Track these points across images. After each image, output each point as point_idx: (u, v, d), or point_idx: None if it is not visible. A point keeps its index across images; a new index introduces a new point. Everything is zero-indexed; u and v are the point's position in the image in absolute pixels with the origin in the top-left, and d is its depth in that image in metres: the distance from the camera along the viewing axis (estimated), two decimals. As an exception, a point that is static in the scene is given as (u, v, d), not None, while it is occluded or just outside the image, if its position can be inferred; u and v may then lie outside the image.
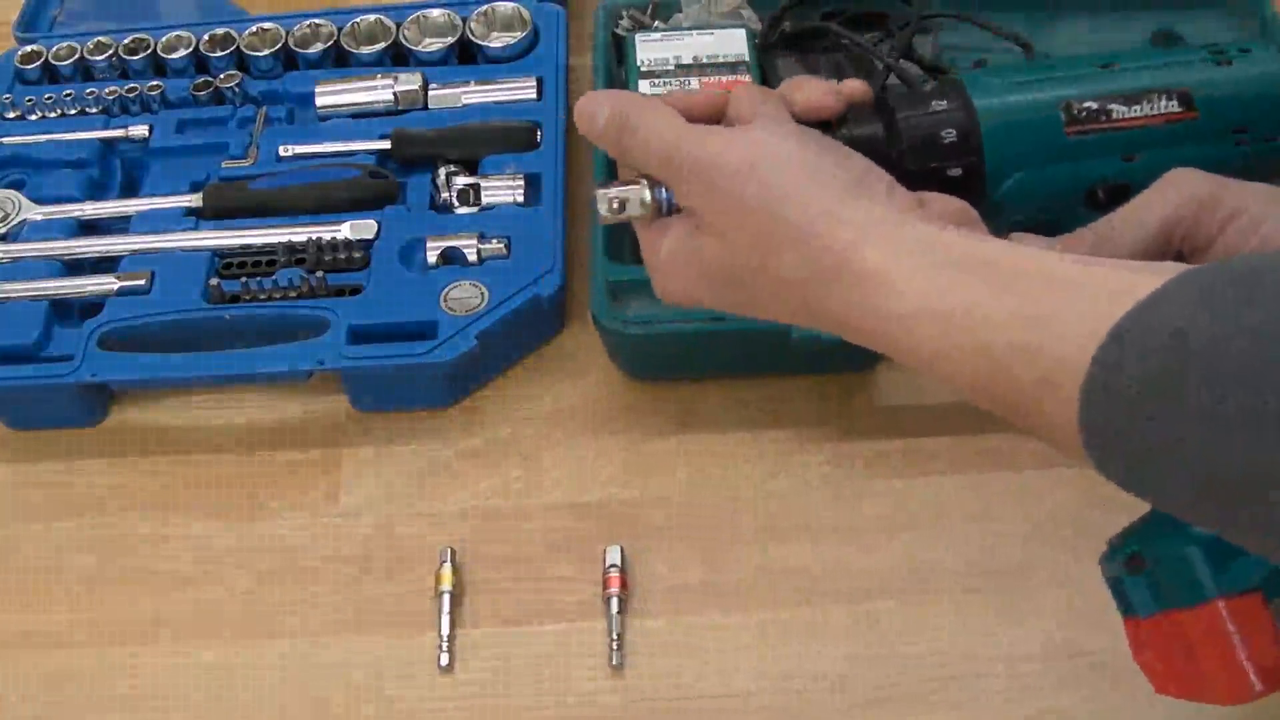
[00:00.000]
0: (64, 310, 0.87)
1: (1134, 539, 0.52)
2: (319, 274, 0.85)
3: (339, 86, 0.97)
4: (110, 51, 1.01)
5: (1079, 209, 0.53)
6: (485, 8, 1.00)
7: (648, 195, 0.55)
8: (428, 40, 1.01)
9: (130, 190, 0.95)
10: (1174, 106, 0.54)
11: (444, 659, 0.73)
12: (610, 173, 0.87)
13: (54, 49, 1.01)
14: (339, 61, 1.01)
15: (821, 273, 0.47)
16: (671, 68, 0.89)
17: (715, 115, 0.57)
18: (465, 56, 1.00)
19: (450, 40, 1.00)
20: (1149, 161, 0.53)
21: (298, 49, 1.00)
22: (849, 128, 0.53)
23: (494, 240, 0.86)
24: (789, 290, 0.49)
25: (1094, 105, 0.53)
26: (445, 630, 0.74)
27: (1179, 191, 0.51)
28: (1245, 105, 0.54)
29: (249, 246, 0.88)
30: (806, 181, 0.48)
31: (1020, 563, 0.74)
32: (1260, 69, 0.55)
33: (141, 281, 0.87)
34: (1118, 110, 0.53)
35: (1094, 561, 0.73)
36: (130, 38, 1.02)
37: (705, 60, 0.89)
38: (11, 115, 0.99)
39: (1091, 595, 0.72)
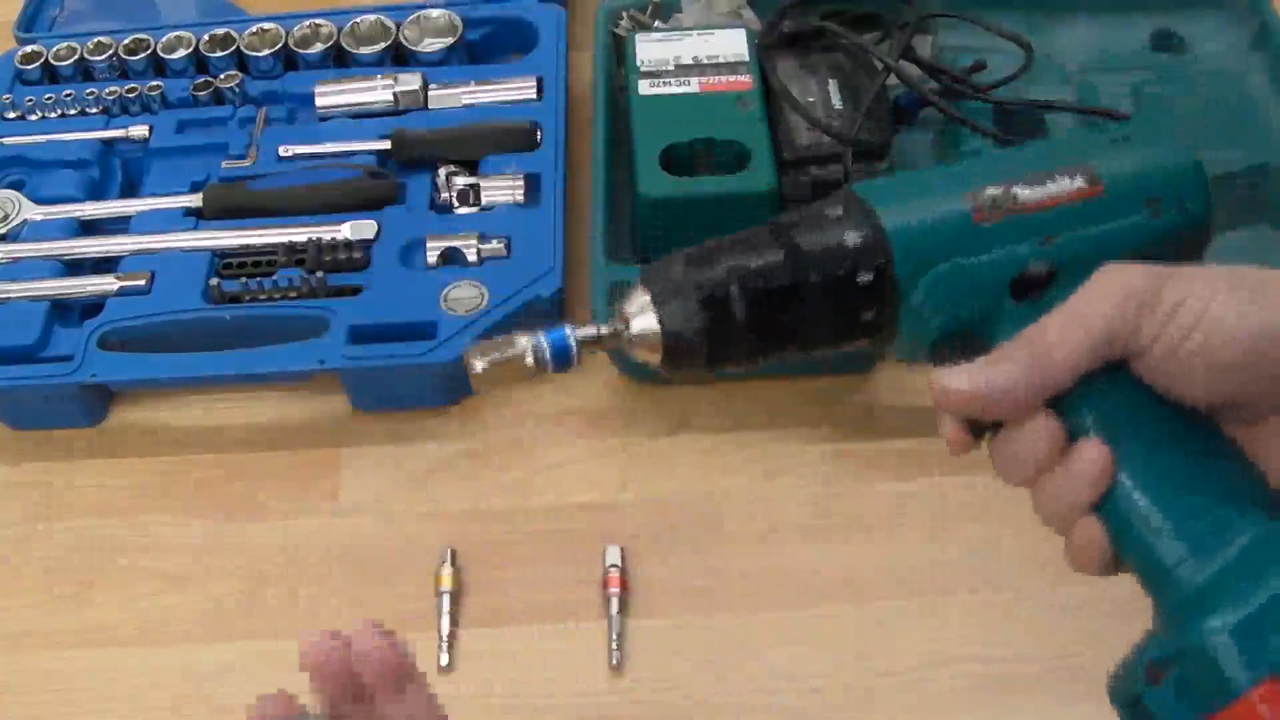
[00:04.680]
0: (64, 310, 0.87)
1: (1148, 649, 0.49)
2: (319, 274, 0.85)
3: (339, 87, 0.98)
4: (110, 51, 1.01)
5: (1005, 303, 0.51)
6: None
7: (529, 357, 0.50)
8: (428, 40, 1.01)
9: (130, 190, 0.95)
10: (1080, 183, 0.51)
11: (444, 659, 0.73)
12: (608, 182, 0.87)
13: (54, 49, 1.01)
14: (339, 62, 1.01)
15: None
16: (671, 68, 0.89)
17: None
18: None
19: (450, 40, 1.00)
20: (1068, 242, 0.51)
21: (298, 49, 1.00)
22: (743, 258, 0.50)
23: (494, 240, 0.86)
24: None
25: (998, 190, 0.51)
26: (445, 630, 0.74)
27: (1114, 293, 0.48)
28: (1151, 175, 0.52)
29: (249, 246, 0.88)
30: None
31: (1022, 564, 0.74)
32: (1160, 143, 0.54)
33: (141, 281, 0.87)
34: (1023, 194, 0.51)
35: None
36: (130, 38, 1.02)
37: (705, 60, 0.89)
38: (11, 115, 0.99)
39: (1095, 598, 0.72)
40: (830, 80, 0.90)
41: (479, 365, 0.50)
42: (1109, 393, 0.49)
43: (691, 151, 0.85)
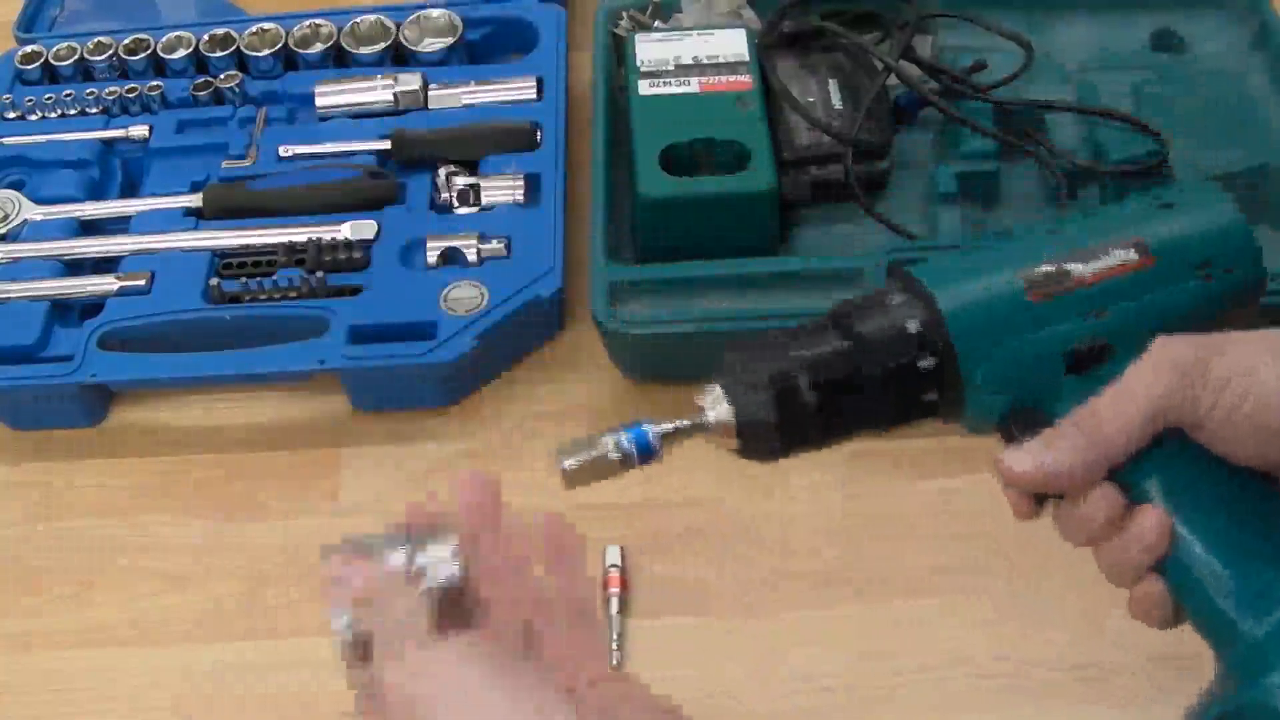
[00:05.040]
0: (64, 310, 0.87)
1: (1213, 706, 0.50)
2: (319, 274, 0.85)
3: (339, 87, 0.98)
4: (110, 51, 1.01)
5: (1060, 379, 0.53)
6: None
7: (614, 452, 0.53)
8: (428, 40, 1.01)
9: (130, 190, 0.95)
10: (1131, 255, 0.53)
11: (444, 659, 0.73)
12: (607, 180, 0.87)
13: (54, 49, 1.01)
14: (339, 62, 1.01)
15: None
16: (671, 68, 0.89)
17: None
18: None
19: (451, 40, 1.00)
20: (1120, 314, 0.52)
21: (298, 49, 1.00)
22: (807, 348, 0.52)
23: (494, 240, 0.86)
24: None
25: (1051, 268, 0.52)
26: (445, 630, 0.74)
27: (1164, 370, 0.50)
28: (1203, 242, 0.54)
29: (249, 246, 0.88)
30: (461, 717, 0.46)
31: (1032, 564, 0.74)
32: (1206, 206, 0.55)
33: (141, 281, 0.87)
34: (1075, 269, 0.52)
35: (1093, 567, 0.73)
36: (130, 38, 1.02)
37: (705, 60, 0.89)
38: (11, 115, 0.99)
39: (1104, 599, 0.72)
40: (830, 80, 0.90)
41: (568, 464, 0.53)
42: (1166, 459, 0.51)
43: (691, 151, 0.85)
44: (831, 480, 0.79)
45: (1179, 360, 0.50)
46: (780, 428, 0.52)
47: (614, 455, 0.53)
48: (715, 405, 0.53)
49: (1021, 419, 0.53)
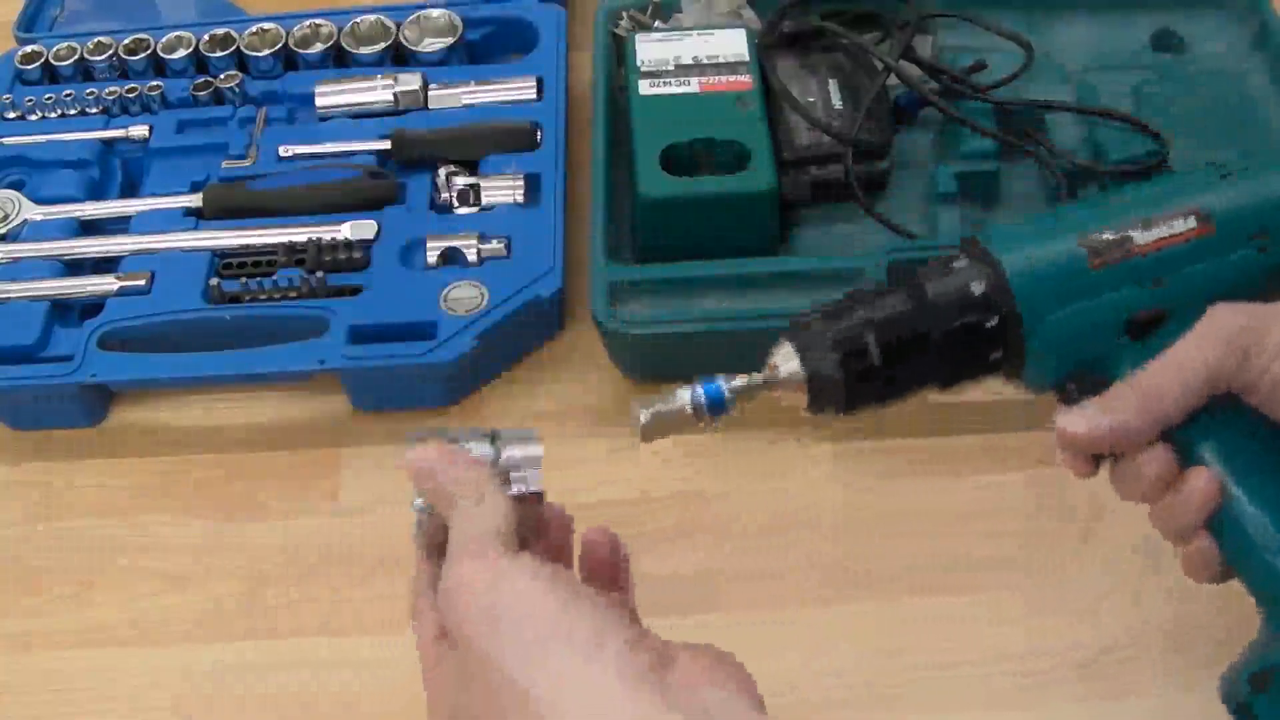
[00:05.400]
0: (64, 310, 0.87)
1: (1255, 660, 0.51)
2: (319, 274, 0.85)
3: (339, 87, 0.98)
4: (110, 51, 1.01)
5: (1120, 341, 0.54)
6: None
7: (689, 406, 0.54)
8: (428, 40, 1.01)
9: (130, 190, 0.95)
10: (1191, 224, 0.54)
11: (444, 659, 0.73)
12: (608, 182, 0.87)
13: (54, 49, 1.01)
14: (339, 62, 1.01)
15: None
16: (671, 68, 0.89)
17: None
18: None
19: (451, 40, 1.00)
20: (1178, 282, 0.54)
21: (298, 49, 1.00)
22: (876, 310, 0.54)
23: (494, 240, 0.86)
24: None
25: (1113, 235, 0.54)
26: (445, 630, 0.74)
27: (1220, 337, 0.51)
28: (1260, 212, 0.55)
29: (249, 246, 0.88)
30: (543, 639, 0.46)
31: (1025, 562, 0.74)
32: (1265, 175, 0.56)
33: (141, 281, 0.87)
34: (1137, 236, 0.54)
35: (1102, 562, 0.73)
36: (130, 38, 1.02)
37: (705, 60, 0.89)
38: (11, 115, 0.99)
39: (1098, 597, 0.72)
40: (830, 80, 0.90)
41: (643, 416, 0.54)
42: (1219, 422, 0.52)
43: (691, 151, 0.85)
44: (834, 476, 0.79)
45: (1233, 328, 0.51)
46: (847, 384, 0.54)
47: (688, 409, 0.54)
48: (786, 362, 0.55)
49: (1079, 380, 0.55)
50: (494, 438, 0.53)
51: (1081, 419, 0.53)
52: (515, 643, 0.46)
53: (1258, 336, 0.51)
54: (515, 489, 0.52)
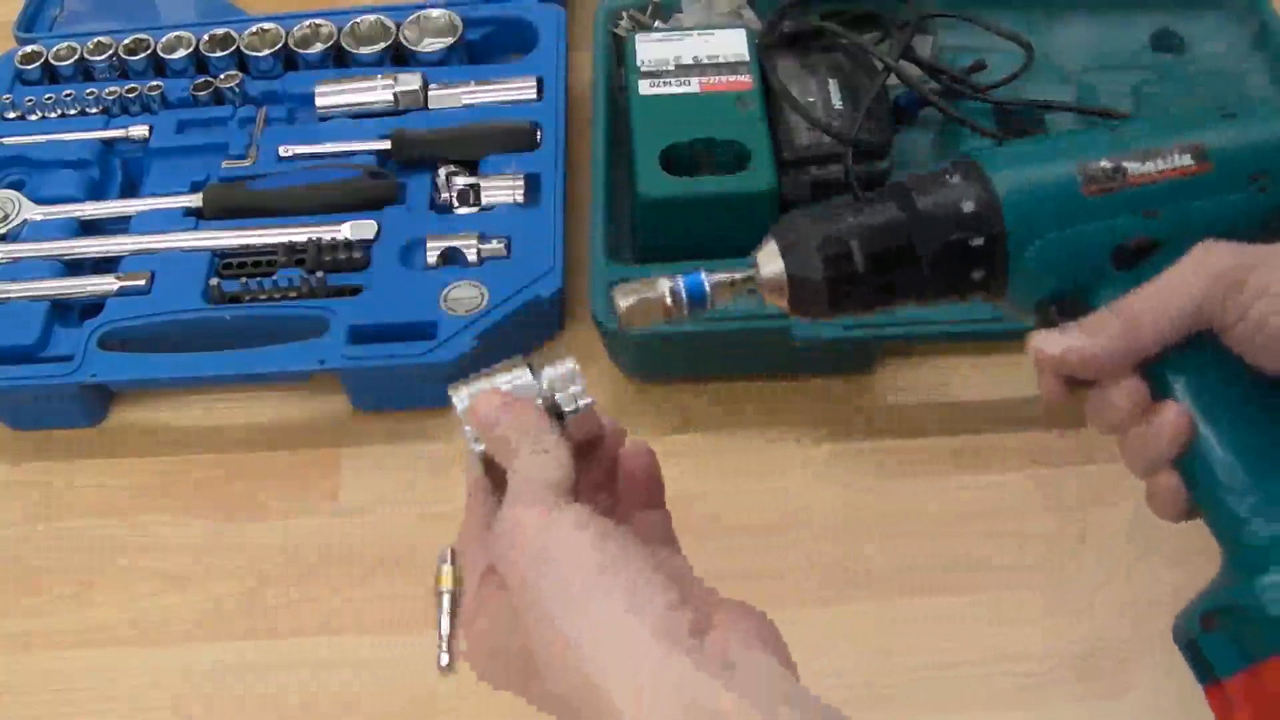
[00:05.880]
0: (64, 310, 0.87)
1: (1208, 599, 0.52)
2: (319, 274, 0.85)
3: (339, 87, 0.98)
4: (110, 51, 1.01)
5: (1107, 270, 0.54)
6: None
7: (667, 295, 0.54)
8: (428, 40, 1.01)
9: (130, 190, 0.95)
10: (1188, 160, 0.53)
11: (444, 659, 0.73)
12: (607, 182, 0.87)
13: (54, 49, 1.01)
14: (339, 62, 1.01)
15: (575, 693, 0.46)
16: (671, 68, 0.89)
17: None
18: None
19: (451, 40, 1.00)
20: (1171, 216, 0.53)
21: (298, 49, 1.00)
22: (865, 217, 0.54)
23: (494, 240, 0.86)
24: (554, 699, 0.48)
25: (1109, 164, 0.53)
26: (445, 630, 0.73)
27: (1204, 273, 0.51)
28: (1258, 153, 0.54)
29: (249, 246, 0.88)
30: (589, 589, 0.46)
31: (1023, 563, 0.74)
32: (1268, 118, 0.56)
33: (141, 281, 0.87)
34: (1132, 168, 0.53)
35: (1100, 561, 0.73)
36: (130, 38, 1.02)
37: (705, 60, 0.89)
38: (11, 115, 0.99)
39: (1096, 597, 0.72)
40: (830, 80, 0.90)
41: (624, 302, 0.54)
42: (1196, 361, 0.52)
43: (691, 151, 0.85)
44: (833, 475, 0.79)
45: (1219, 264, 0.51)
46: (829, 287, 0.53)
47: (667, 299, 0.54)
48: (770, 261, 0.54)
49: (1061, 304, 0.54)
50: (531, 366, 0.54)
51: (1058, 340, 0.53)
52: (561, 590, 0.47)
53: (1240, 279, 0.50)
54: (568, 408, 0.53)
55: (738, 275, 0.54)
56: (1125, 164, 0.53)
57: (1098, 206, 0.53)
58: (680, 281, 0.54)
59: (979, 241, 0.53)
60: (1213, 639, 0.51)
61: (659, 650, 0.45)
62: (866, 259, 0.53)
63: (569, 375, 0.53)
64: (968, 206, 0.53)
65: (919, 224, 0.53)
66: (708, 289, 0.54)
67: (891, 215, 0.54)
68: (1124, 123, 0.59)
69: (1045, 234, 0.53)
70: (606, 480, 0.56)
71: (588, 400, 0.53)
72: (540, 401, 0.52)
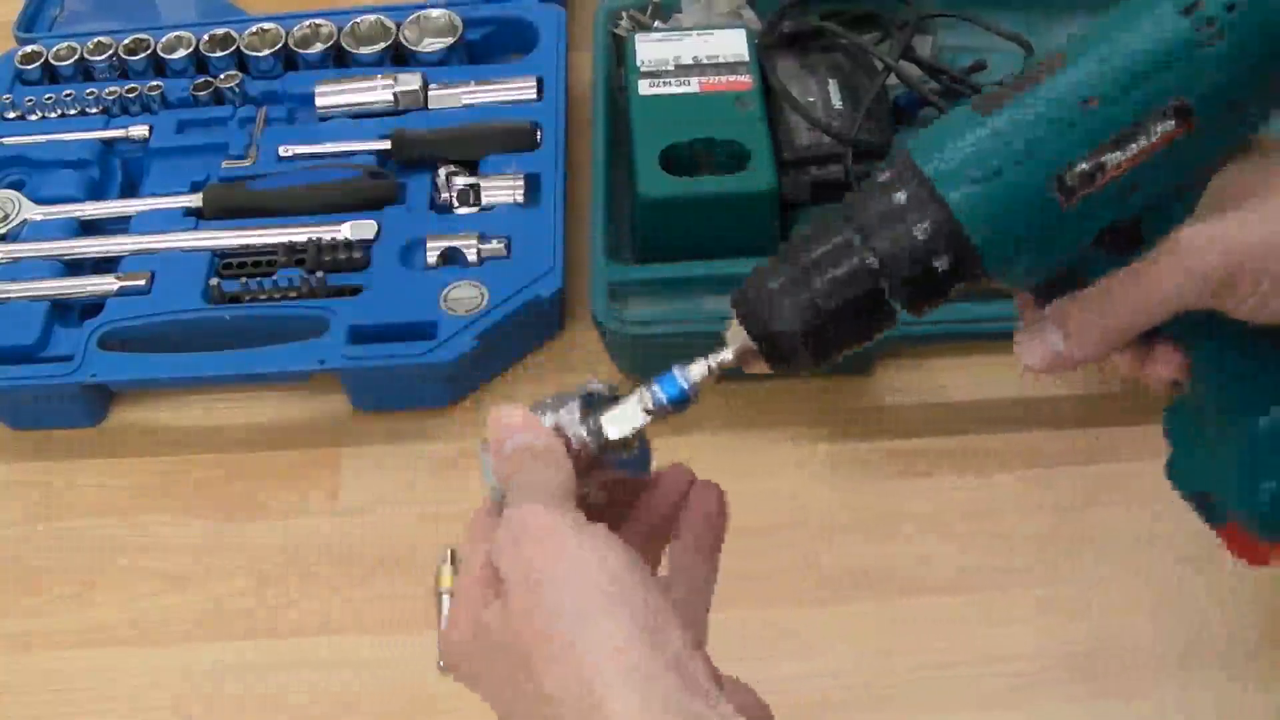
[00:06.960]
0: (64, 310, 0.87)
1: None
2: (319, 274, 0.85)
3: (339, 87, 0.98)
4: (110, 51, 1.01)
5: (1091, 253, 0.50)
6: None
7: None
8: (428, 40, 1.01)
9: (130, 190, 0.95)
10: (1170, 126, 0.47)
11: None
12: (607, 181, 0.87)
13: (54, 49, 1.01)
14: (339, 62, 1.01)
15: (568, 692, 0.44)
16: (671, 68, 0.89)
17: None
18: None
19: (451, 40, 1.00)
20: (1152, 187, 0.49)
21: (298, 49, 1.00)
22: (828, 270, 0.50)
23: (494, 240, 0.86)
24: (542, 699, 0.46)
25: (1087, 165, 0.47)
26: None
27: (1193, 272, 0.48)
28: (1241, 82, 0.47)
29: (249, 246, 0.88)
30: (599, 612, 0.46)
31: (1021, 563, 0.74)
32: (1248, 29, 0.47)
33: (141, 281, 0.87)
34: (1111, 159, 0.47)
35: (1097, 562, 0.73)
36: (130, 38, 1.02)
37: (705, 60, 0.89)
38: (11, 115, 0.99)
39: (1092, 598, 0.72)
40: (830, 80, 0.90)
41: (612, 435, 0.53)
42: (1190, 319, 0.50)
43: (691, 151, 0.85)
44: (829, 476, 0.79)
45: (1204, 266, 0.48)
46: (806, 349, 0.51)
47: (649, 418, 0.53)
48: (736, 340, 0.52)
49: (1052, 286, 0.52)
50: (585, 400, 0.54)
51: (1040, 351, 0.51)
52: (557, 599, 0.46)
53: (1232, 280, 0.48)
54: (609, 431, 0.53)
55: (712, 363, 0.52)
56: (1105, 158, 0.47)
57: (1077, 214, 0.48)
58: (656, 391, 0.53)
59: (949, 266, 0.49)
60: (1170, 414, 0.53)
61: (673, 689, 0.44)
62: (836, 311, 0.50)
63: (617, 411, 0.53)
64: (931, 242, 0.48)
65: (882, 268, 0.49)
66: (689, 393, 0.53)
67: (850, 264, 0.49)
68: (1076, 62, 0.48)
69: (1020, 255, 0.49)
70: (660, 525, 0.57)
71: (632, 428, 0.53)
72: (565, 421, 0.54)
